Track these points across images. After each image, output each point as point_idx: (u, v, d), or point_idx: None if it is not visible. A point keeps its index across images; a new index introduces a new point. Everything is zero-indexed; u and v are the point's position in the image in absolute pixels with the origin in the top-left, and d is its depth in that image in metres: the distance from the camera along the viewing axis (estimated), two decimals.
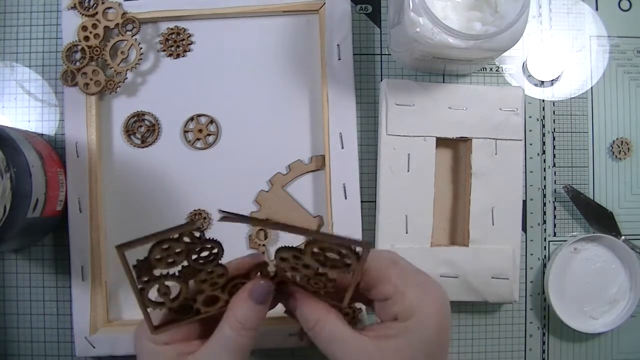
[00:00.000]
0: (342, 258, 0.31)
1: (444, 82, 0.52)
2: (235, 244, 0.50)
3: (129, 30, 0.50)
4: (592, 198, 0.52)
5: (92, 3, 0.49)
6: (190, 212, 0.50)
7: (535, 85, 0.53)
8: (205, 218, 0.50)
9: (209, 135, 0.51)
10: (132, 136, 0.51)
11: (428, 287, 0.33)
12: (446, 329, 0.33)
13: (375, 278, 0.33)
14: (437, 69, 0.51)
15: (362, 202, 0.49)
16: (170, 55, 0.51)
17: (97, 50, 0.49)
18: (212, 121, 0.51)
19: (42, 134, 0.51)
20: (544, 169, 0.52)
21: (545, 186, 0.52)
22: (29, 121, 0.51)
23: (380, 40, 0.52)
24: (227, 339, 0.32)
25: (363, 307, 0.48)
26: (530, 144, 0.52)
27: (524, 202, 0.52)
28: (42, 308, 0.50)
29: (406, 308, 0.32)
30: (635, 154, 0.53)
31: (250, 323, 0.33)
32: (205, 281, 0.33)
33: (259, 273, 0.35)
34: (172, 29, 0.51)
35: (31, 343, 0.50)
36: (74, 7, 0.49)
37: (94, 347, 0.48)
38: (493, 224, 0.49)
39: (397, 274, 0.33)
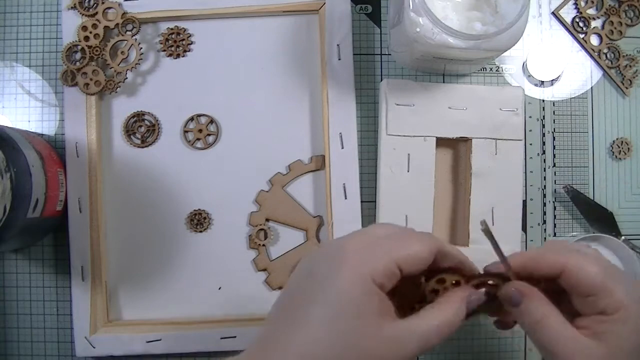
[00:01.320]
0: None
1: (444, 82, 0.52)
2: (235, 244, 0.50)
3: (129, 30, 0.50)
4: (592, 198, 0.52)
5: (92, 3, 0.49)
6: (190, 212, 0.50)
7: (535, 85, 0.53)
8: (205, 218, 0.50)
9: (209, 135, 0.51)
10: (132, 136, 0.51)
11: (628, 279, 0.34)
12: None
13: (578, 276, 0.33)
14: (437, 69, 0.51)
15: (362, 202, 0.49)
16: (170, 55, 0.51)
17: (97, 50, 0.49)
18: (212, 121, 0.51)
19: (42, 134, 0.51)
20: (544, 169, 0.52)
21: (545, 186, 0.52)
22: (29, 121, 0.51)
23: (380, 40, 0.52)
24: (426, 326, 0.32)
25: None
26: (530, 144, 0.52)
27: (524, 202, 0.52)
28: (42, 308, 0.50)
29: (614, 301, 0.32)
30: (635, 154, 0.53)
31: (448, 327, 0.32)
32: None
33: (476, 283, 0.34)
34: (172, 29, 0.51)
35: (31, 343, 0.50)
36: (74, 7, 0.49)
37: (94, 347, 0.48)
38: (493, 224, 0.49)
39: (601, 269, 0.33)
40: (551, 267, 0.34)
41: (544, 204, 0.52)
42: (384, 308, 0.31)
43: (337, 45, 0.50)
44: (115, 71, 0.50)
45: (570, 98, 0.53)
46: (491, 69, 0.52)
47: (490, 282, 0.34)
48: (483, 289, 0.34)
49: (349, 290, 0.30)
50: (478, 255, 0.49)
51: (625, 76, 0.52)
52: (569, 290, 0.34)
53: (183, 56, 0.51)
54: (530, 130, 0.52)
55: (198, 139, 0.51)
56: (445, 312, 0.32)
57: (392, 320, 0.31)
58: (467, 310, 0.33)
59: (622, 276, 0.34)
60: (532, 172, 0.52)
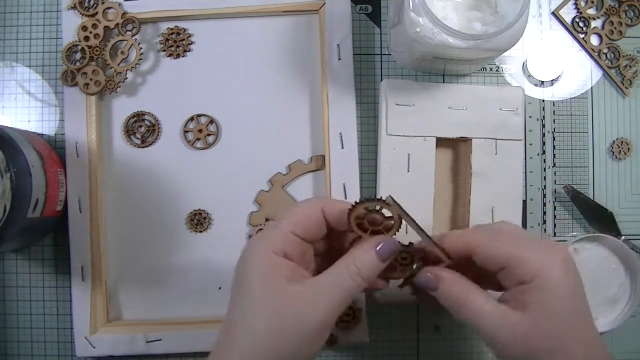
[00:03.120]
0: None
1: (444, 82, 0.52)
2: (235, 244, 0.50)
3: (129, 30, 0.50)
4: (592, 198, 0.52)
5: (92, 3, 0.49)
6: (190, 212, 0.50)
7: (535, 85, 0.53)
8: (205, 218, 0.50)
9: (209, 135, 0.51)
10: (132, 136, 0.51)
11: (546, 246, 0.34)
12: (578, 282, 0.33)
13: (484, 252, 0.35)
14: (437, 69, 0.51)
15: None
16: (170, 55, 0.51)
17: (97, 50, 0.49)
18: (212, 121, 0.51)
19: (42, 134, 0.51)
20: (544, 169, 0.52)
21: (545, 186, 0.52)
22: (29, 121, 0.51)
23: (380, 40, 0.52)
24: (341, 277, 0.34)
25: (363, 306, 0.48)
26: (530, 144, 0.52)
27: (524, 202, 0.52)
28: (42, 308, 0.50)
29: (527, 270, 0.33)
30: (635, 154, 0.53)
31: (366, 273, 0.34)
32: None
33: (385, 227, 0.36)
34: (172, 29, 0.51)
35: (31, 343, 0.50)
36: (74, 7, 0.49)
37: (94, 347, 0.48)
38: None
39: (507, 241, 0.34)
40: (462, 247, 0.35)
41: (544, 204, 0.52)
42: (293, 273, 0.34)
43: (337, 45, 0.50)
44: (115, 71, 0.50)
45: (570, 98, 0.53)
46: (491, 69, 0.52)
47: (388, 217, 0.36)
48: (395, 234, 0.36)
49: (257, 270, 0.34)
50: None
51: (625, 76, 0.52)
52: (483, 267, 0.35)
53: (183, 56, 0.51)
54: (530, 130, 0.52)
55: (198, 139, 0.50)
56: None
57: (300, 279, 0.34)
58: (381, 258, 0.34)
59: (535, 244, 0.34)
60: (532, 172, 0.52)
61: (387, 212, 0.36)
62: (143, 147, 0.51)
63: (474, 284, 0.35)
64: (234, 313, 0.34)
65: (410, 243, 0.37)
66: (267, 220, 0.50)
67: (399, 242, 0.36)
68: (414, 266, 0.37)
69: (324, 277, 0.34)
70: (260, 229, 0.50)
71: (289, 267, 0.34)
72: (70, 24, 0.49)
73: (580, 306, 0.34)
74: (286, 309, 0.32)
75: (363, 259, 0.34)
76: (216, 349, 0.35)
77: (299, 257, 0.35)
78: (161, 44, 0.51)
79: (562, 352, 0.32)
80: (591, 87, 0.53)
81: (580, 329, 0.33)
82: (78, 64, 0.49)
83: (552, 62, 0.52)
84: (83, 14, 0.49)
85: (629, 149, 0.52)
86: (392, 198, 0.36)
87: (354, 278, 0.34)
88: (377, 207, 0.36)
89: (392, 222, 0.36)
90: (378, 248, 0.34)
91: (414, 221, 0.36)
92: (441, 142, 0.50)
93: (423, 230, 0.36)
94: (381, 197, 0.36)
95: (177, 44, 0.51)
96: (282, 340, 0.32)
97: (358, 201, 0.36)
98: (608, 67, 0.53)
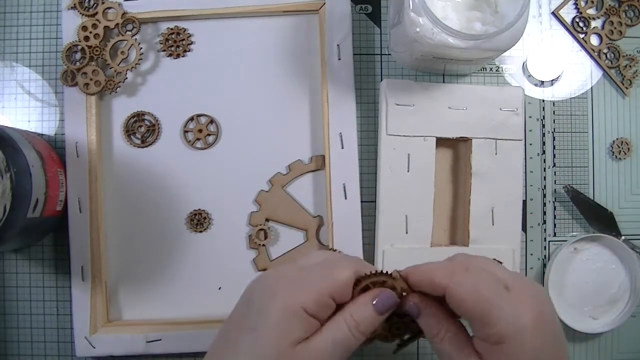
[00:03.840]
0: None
1: (444, 82, 0.52)
2: (235, 244, 0.50)
3: (129, 30, 0.50)
4: (592, 198, 0.52)
5: (92, 3, 0.49)
6: (190, 212, 0.50)
7: (535, 85, 0.53)
8: (205, 218, 0.50)
9: (209, 135, 0.51)
10: (132, 136, 0.51)
11: (518, 300, 0.32)
12: (551, 337, 0.32)
13: (457, 302, 0.33)
14: (437, 69, 0.51)
15: (362, 202, 0.49)
16: (170, 55, 0.51)
17: (97, 50, 0.49)
18: (212, 121, 0.51)
19: (42, 134, 0.51)
20: (544, 169, 0.52)
21: (545, 186, 0.52)
22: (29, 121, 0.51)
23: (380, 40, 0.52)
24: (341, 334, 0.33)
25: None
26: (530, 144, 0.52)
27: (524, 202, 0.52)
28: (42, 308, 0.50)
29: (494, 332, 0.31)
30: (635, 154, 0.53)
31: (365, 327, 0.33)
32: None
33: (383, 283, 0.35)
34: (172, 29, 0.51)
35: (31, 343, 0.50)
36: (74, 7, 0.49)
37: (94, 347, 0.48)
38: (493, 224, 0.49)
39: (480, 298, 0.32)
40: (435, 288, 0.33)
41: (544, 204, 0.52)
42: (309, 329, 0.33)
43: (337, 45, 0.50)
44: (115, 71, 0.50)
45: (570, 98, 0.53)
46: (491, 69, 0.52)
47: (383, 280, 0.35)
48: (390, 289, 0.35)
49: (277, 322, 0.32)
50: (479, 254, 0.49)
51: (625, 76, 0.52)
52: (453, 310, 0.33)
53: (183, 56, 0.51)
54: (530, 130, 0.52)
55: (198, 139, 0.50)
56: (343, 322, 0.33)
57: (308, 335, 0.33)
58: (378, 311, 0.33)
59: (505, 298, 0.32)
60: (532, 172, 0.52)
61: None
62: (143, 147, 0.51)
63: (451, 321, 0.34)
64: (237, 339, 0.33)
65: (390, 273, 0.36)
66: (267, 220, 0.50)
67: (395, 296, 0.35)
68: (405, 337, 0.38)
69: (324, 336, 0.33)
70: (261, 230, 0.50)
71: (309, 324, 0.33)
72: (70, 24, 0.49)
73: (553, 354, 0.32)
74: None
75: (361, 312, 0.33)
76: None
77: (321, 316, 0.34)
78: (161, 44, 0.51)
79: None
80: (591, 87, 0.53)
81: None
82: (78, 64, 0.49)
83: (552, 62, 0.52)
84: (83, 14, 0.49)
85: (629, 149, 0.52)
86: (398, 272, 0.35)
87: (353, 333, 0.33)
88: (382, 280, 0.35)
89: (394, 281, 0.35)
90: (374, 302, 0.34)
91: (419, 293, 0.35)
92: (441, 142, 0.50)
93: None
94: (387, 272, 0.35)
95: (177, 44, 0.51)
96: None
97: (364, 275, 0.35)
98: (608, 67, 0.53)
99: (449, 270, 0.34)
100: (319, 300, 0.32)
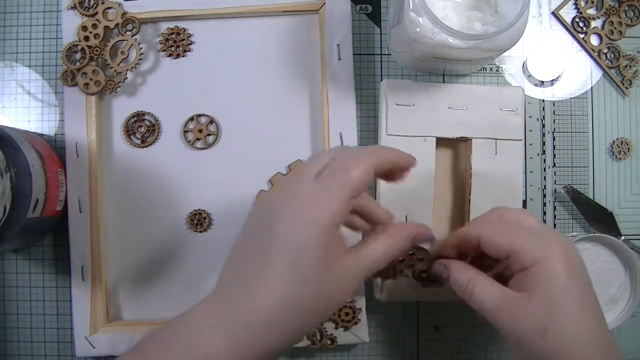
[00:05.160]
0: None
1: (444, 82, 0.52)
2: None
3: (129, 30, 0.50)
4: (592, 198, 0.52)
5: (92, 3, 0.49)
6: (190, 212, 0.50)
7: (535, 85, 0.53)
8: (205, 218, 0.50)
9: (209, 135, 0.51)
10: (132, 136, 0.51)
11: (547, 236, 0.36)
12: (577, 270, 0.36)
13: (489, 246, 0.37)
14: (437, 69, 0.51)
15: None
16: (170, 55, 0.51)
17: (97, 50, 0.49)
18: (212, 121, 0.51)
19: (42, 134, 0.51)
20: (544, 169, 0.52)
21: (545, 186, 0.52)
22: (29, 121, 0.51)
23: (380, 40, 0.52)
24: (373, 250, 0.35)
25: (363, 306, 0.48)
26: (530, 144, 0.52)
27: (524, 202, 0.52)
28: (42, 308, 0.50)
29: (527, 258, 0.35)
30: (635, 154, 0.53)
31: (392, 251, 0.36)
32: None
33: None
34: (172, 29, 0.51)
35: (31, 343, 0.50)
36: (74, 7, 0.49)
37: (94, 347, 0.48)
38: None
39: (510, 233, 0.36)
40: (471, 239, 0.38)
41: (544, 204, 0.52)
42: (337, 246, 0.33)
43: (337, 45, 0.50)
44: (115, 71, 0.50)
45: (570, 98, 0.53)
46: (491, 69, 0.52)
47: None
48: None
49: (308, 242, 0.32)
50: None
51: (625, 76, 0.52)
52: (490, 255, 0.37)
53: (183, 56, 0.51)
54: (530, 130, 0.52)
55: (198, 139, 0.50)
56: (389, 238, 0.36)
57: (341, 256, 0.33)
58: (412, 242, 0.37)
59: (536, 233, 0.36)
60: (532, 172, 0.52)
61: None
62: (143, 147, 0.51)
63: (478, 270, 0.38)
64: (271, 261, 0.32)
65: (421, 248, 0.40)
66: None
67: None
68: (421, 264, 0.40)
69: (363, 254, 0.35)
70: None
71: (337, 240, 0.33)
72: (70, 24, 0.49)
73: (578, 293, 0.35)
74: (334, 287, 0.33)
75: (398, 244, 0.36)
76: (226, 299, 0.33)
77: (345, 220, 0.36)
78: (161, 44, 0.51)
79: (551, 332, 0.34)
80: (591, 87, 0.53)
81: (574, 313, 0.34)
82: (78, 64, 0.49)
83: (552, 62, 0.52)
84: (83, 14, 0.49)
85: (629, 149, 0.52)
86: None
87: (385, 257, 0.36)
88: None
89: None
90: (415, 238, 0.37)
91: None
92: (441, 142, 0.50)
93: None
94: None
95: (177, 44, 0.51)
96: (318, 303, 0.32)
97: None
98: (608, 67, 0.53)
99: (477, 223, 0.39)
100: (344, 211, 0.33)
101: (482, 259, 0.39)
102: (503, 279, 0.37)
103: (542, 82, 0.52)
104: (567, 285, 0.34)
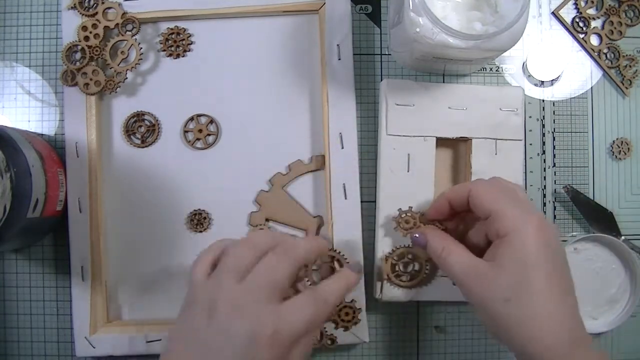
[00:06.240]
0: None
1: (444, 82, 0.52)
2: None
3: (129, 30, 0.50)
4: (592, 198, 0.52)
5: (92, 3, 0.49)
6: (190, 212, 0.50)
7: (535, 85, 0.53)
8: (205, 218, 0.50)
9: (209, 135, 0.51)
10: (132, 136, 0.51)
11: (527, 208, 0.37)
12: (549, 245, 0.36)
13: (475, 199, 0.39)
14: (437, 69, 0.51)
15: (362, 202, 0.49)
16: (170, 55, 0.51)
17: (97, 50, 0.49)
18: (212, 121, 0.51)
19: (42, 134, 0.51)
20: (544, 169, 0.52)
21: (545, 186, 0.52)
22: (29, 121, 0.51)
23: (380, 40, 0.52)
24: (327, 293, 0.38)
25: (363, 306, 0.48)
26: (530, 144, 0.52)
27: None
28: (42, 308, 0.50)
29: (504, 224, 0.36)
30: (635, 154, 0.53)
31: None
32: None
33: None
34: (172, 29, 0.51)
35: (31, 343, 0.50)
36: (74, 7, 0.49)
37: (94, 347, 0.48)
38: None
39: (496, 195, 0.38)
40: (464, 192, 0.40)
41: (544, 204, 0.52)
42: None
43: (337, 45, 0.50)
44: (115, 71, 0.50)
45: (570, 98, 0.53)
46: (491, 69, 0.52)
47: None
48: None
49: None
50: None
51: (625, 76, 0.52)
52: (475, 212, 0.40)
53: (183, 56, 0.51)
54: (530, 130, 0.52)
55: (198, 139, 0.51)
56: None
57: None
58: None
59: (518, 204, 0.37)
60: (532, 172, 0.52)
61: None
62: (143, 147, 0.51)
63: (453, 239, 0.40)
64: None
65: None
66: (267, 220, 0.50)
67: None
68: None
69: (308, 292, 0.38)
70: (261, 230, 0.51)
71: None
72: (70, 24, 0.49)
73: (547, 271, 0.35)
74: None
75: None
76: None
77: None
78: (161, 44, 0.51)
79: (514, 302, 0.35)
80: (591, 87, 0.53)
81: (537, 289, 0.35)
82: (78, 64, 0.49)
83: (552, 62, 0.52)
84: (83, 14, 0.49)
85: (629, 149, 0.52)
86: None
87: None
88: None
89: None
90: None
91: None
92: (441, 142, 0.50)
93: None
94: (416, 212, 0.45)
95: (177, 44, 0.51)
96: None
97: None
98: (608, 67, 0.53)
99: (478, 180, 0.42)
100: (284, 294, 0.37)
101: (467, 218, 0.43)
102: (480, 253, 0.39)
103: (542, 82, 0.52)
104: (536, 261, 0.35)
